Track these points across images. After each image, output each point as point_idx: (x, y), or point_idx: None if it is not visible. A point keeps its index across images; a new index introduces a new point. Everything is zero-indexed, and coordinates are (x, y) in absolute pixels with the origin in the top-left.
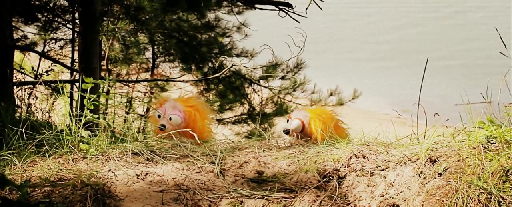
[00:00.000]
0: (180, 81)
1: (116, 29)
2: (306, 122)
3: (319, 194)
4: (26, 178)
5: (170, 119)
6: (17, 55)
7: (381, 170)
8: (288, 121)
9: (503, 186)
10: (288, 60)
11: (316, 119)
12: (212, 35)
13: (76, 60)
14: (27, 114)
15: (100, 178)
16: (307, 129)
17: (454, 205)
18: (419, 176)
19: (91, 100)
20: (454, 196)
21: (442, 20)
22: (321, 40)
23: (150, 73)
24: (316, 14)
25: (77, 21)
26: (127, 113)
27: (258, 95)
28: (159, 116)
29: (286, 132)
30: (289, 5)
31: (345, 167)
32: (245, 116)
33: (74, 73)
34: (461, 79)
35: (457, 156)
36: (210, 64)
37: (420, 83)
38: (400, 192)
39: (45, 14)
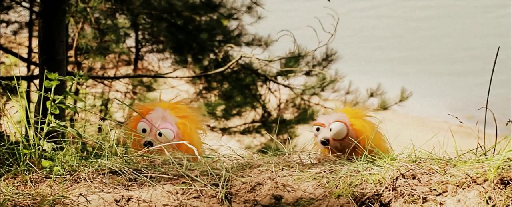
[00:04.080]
0: (172, 77)
1: (88, 9)
2: (348, 124)
3: None
4: None
5: (160, 134)
6: None
7: (437, 195)
8: (318, 129)
9: None
10: (315, 50)
11: (359, 119)
12: (215, 17)
13: (35, 50)
14: None
15: (68, 204)
16: (352, 133)
17: None
18: (487, 202)
19: (55, 102)
20: None
21: None
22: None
23: (132, 67)
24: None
25: None
26: (102, 119)
27: (275, 96)
28: (144, 130)
29: (326, 142)
30: None
31: (389, 190)
32: (258, 124)
33: (33, 66)
34: None
35: None
36: (211, 56)
37: (488, 81)
38: None
39: None
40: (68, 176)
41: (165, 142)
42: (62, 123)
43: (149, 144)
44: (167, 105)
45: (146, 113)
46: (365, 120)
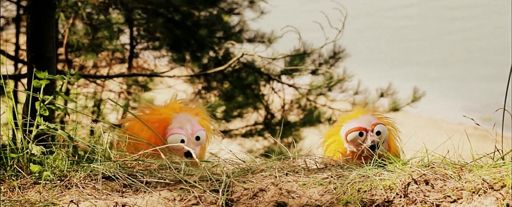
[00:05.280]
0: (169, 76)
1: (80, 4)
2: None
3: None
4: None
5: (198, 138)
6: None
7: (451, 202)
8: (362, 134)
9: None
10: (322, 47)
11: (384, 120)
12: (215, 12)
13: (23, 47)
14: None
15: None
16: (387, 139)
17: None
18: None
19: (45, 103)
20: None
21: None
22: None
23: (126, 65)
24: None
25: None
26: (95, 121)
27: (279, 96)
28: (182, 141)
29: (374, 146)
30: None
31: (400, 197)
32: (260, 126)
33: (20, 65)
34: None
35: None
36: (211, 53)
37: (505, 81)
38: None
39: None
40: (59, 181)
41: (198, 145)
42: (52, 125)
43: (190, 155)
44: (175, 107)
45: (165, 122)
46: (387, 122)
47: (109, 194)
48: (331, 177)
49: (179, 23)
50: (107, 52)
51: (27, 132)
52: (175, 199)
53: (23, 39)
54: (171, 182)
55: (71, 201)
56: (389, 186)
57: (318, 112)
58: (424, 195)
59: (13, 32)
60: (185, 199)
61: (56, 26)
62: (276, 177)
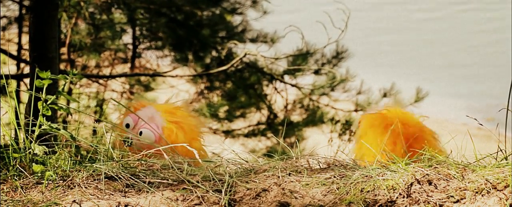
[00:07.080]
0: (172, 76)
1: (82, 4)
2: None
3: None
4: None
5: (140, 133)
6: None
7: (455, 202)
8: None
9: None
10: (324, 47)
11: None
12: (217, 12)
13: (25, 47)
14: None
15: None
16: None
17: None
18: None
19: (47, 103)
20: None
21: None
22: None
23: (129, 65)
24: None
25: None
26: (97, 121)
27: (282, 96)
28: (127, 125)
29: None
30: None
31: (404, 197)
32: (263, 126)
33: (23, 65)
34: None
35: None
36: (214, 53)
37: (510, 81)
38: None
39: None
40: (61, 181)
41: (146, 143)
42: (55, 125)
43: (128, 141)
44: (163, 107)
45: (137, 109)
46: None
47: (112, 194)
48: (334, 177)
49: (182, 23)
50: (109, 52)
51: (29, 132)
52: (177, 199)
53: (25, 39)
54: (174, 182)
55: (74, 201)
56: (392, 186)
57: (321, 112)
58: (427, 195)
59: (15, 32)
60: (187, 199)
61: (58, 26)
62: (279, 177)
